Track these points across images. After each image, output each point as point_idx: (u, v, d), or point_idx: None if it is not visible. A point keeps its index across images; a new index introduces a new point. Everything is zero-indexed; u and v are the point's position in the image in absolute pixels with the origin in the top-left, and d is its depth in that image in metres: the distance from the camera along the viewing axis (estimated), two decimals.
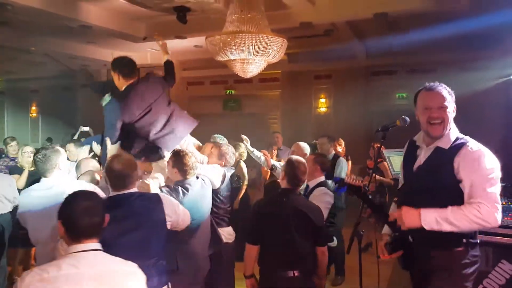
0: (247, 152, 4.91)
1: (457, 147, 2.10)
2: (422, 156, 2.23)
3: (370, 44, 8.47)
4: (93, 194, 1.84)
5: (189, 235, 2.87)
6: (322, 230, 2.79)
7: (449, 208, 1.99)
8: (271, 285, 2.70)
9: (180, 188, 2.85)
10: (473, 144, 2.12)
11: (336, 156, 4.95)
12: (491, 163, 2.06)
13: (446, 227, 1.97)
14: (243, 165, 5.49)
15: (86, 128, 5.64)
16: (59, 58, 9.87)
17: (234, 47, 5.17)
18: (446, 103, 2.13)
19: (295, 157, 2.97)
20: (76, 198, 1.75)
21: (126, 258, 1.82)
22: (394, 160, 3.49)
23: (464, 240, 2.11)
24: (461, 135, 2.18)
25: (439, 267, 2.11)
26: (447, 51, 7.52)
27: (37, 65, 10.57)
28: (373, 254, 2.51)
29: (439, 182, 2.10)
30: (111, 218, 1.85)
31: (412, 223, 2.02)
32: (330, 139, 5.05)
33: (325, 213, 3.01)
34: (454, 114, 2.17)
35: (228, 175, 3.49)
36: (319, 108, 9.82)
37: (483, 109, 7.19)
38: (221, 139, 4.53)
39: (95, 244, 1.72)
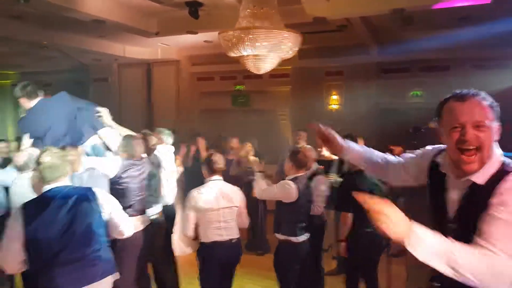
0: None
1: (498, 180, 1.44)
2: (455, 195, 1.57)
3: (383, 40, 8.35)
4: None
5: None
6: None
7: (457, 245, 1.34)
8: (361, 240, 3.59)
9: None
10: None
11: None
12: None
13: (441, 268, 1.32)
14: (252, 159, 5.85)
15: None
16: (71, 52, 9.89)
17: (247, 43, 5.11)
18: (487, 122, 1.48)
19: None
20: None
21: (73, 245, 2.33)
22: None
23: None
24: (507, 161, 1.52)
25: None
26: (463, 49, 7.35)
27: (49, 59, 10.62)
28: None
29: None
30: (51, 211, 2.31)
31: (393, 234, 1.36)
32: (353, 140, 4.97)
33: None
34: (497, 137, 1.53)
35: (123, 166, 3.45)
36: (331, 105, 9.72)
37: (501, 111, 7.02)
38: (161, 132, 4.65)
39: (218, 177, 3.52)
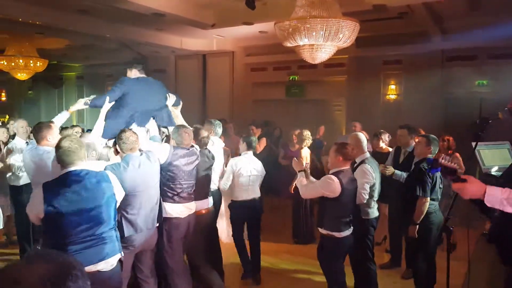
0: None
1: None
2: None
3: (447, 26, 7.89)
4: None
5: (129, 205, 3.18)
6: None
7: None
8: (434, 224, 3.94)
9: (121, 164, 3.20)
10: None
11: None
12: None
13: (510, 209, 1.93)
14: (304, 151, 5.76)
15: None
16: (131, 45, 10.32)
17: (304, 33, 5.06)
18: None
19: (430, 135, 4.11)
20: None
21: (90, 224, 2.53)
22: (485, 154, 3.22)
23: None
24: None
25: None
26: None
27: (111, 52, 11.16)
28: (445, 250, 2.59)
29: None
30: (69, 192, 2.49)
31: (473, 195, 2.01)
32: (410, 131, 4.78)
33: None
34: None
35: (173, 154, 3.60)
36: (388, 95, 9.37)
37: None
38: (211, 123, 4.72)
39: (251, 152, 4.59)
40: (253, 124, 7.34)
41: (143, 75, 4.08)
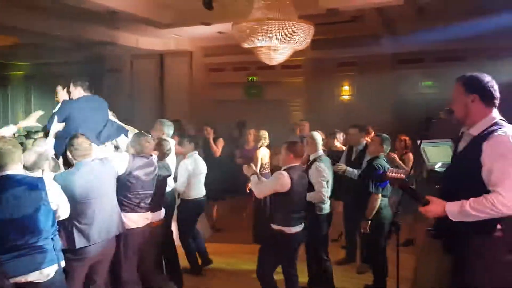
0: None
1: (488, 133, 2.11)
2: (461, 144, 2.31)
3: (397, 30, 8.28)
4: None
5: (81, 214, 3.03)
6: None
7: (470, 201, 2.05)
8: (385, 219, 4.15)
9: (72, 171, 3.10)
10: (507, 130, 2.09)
11: (367, 147, 4.87)
12: None
13: (469, 219, 2.05)
14: (262, 151, 5.94)
15: None
16: (85, 44, 9.99)
17: (261, 34, 5.15)
18: (455, 96, 2.27)
19: (383, 134, 4.30)
20: None
21: (19, 233, 2.39)
22: (430, 151, 3.45)
23: (499, 226, 2.09)
24: (502, 123, 2.17)
25: (476, 252, 2.13)
26: (479, 39, 7.23)
27: (65, 50, 10.73)
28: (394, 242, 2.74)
29: (470, 170, 2.13)
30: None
31: (436, 215, 2.17)
32: (361, 130, 4.99)
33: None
34: (477, 104, 2.20)
35: (132, 163, 3.52)
36: (342, 95, 9.71)
37: None
38: (162, 124, 4.68)
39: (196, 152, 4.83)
40: (208, 125, 7.34)
41: (88, 94, 3.86)
